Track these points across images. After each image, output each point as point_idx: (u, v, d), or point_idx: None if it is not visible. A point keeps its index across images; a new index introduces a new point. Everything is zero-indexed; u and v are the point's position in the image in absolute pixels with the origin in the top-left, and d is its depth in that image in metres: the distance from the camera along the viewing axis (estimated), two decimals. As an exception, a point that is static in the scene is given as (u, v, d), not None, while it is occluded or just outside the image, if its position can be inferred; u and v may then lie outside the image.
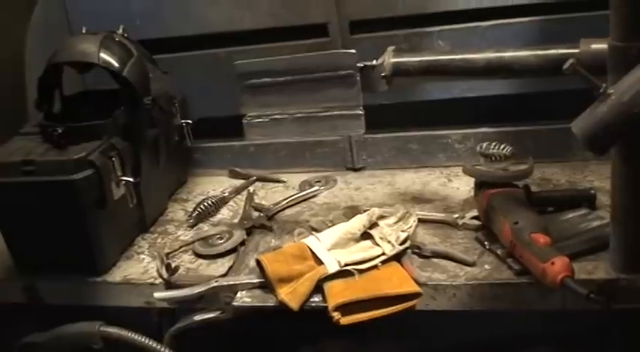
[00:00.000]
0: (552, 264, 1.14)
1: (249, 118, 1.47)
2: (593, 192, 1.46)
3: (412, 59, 1.40)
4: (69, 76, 1.61)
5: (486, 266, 1.32)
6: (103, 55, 1.48)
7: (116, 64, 1.50)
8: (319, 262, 1.34)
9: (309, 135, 1.49)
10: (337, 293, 1.27)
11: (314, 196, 1.71)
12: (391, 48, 1.43)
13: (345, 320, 1.24)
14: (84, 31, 1.57)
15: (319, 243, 1.37)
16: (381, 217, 1.45)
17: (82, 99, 1.68)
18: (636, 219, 1.18)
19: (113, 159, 1.45)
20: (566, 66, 1.12)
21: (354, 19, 1.71)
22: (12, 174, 1.40)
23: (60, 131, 1.43)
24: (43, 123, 1.49)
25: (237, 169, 1.86)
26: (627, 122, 1.08)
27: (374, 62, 1.42)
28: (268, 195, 1.75)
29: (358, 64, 1.41)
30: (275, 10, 1.75)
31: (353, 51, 1.43)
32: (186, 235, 1.60)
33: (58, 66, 1.52)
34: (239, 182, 1.82)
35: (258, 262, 1.35)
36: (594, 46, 1.23)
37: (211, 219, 1.67)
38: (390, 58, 1.40)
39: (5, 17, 1.81)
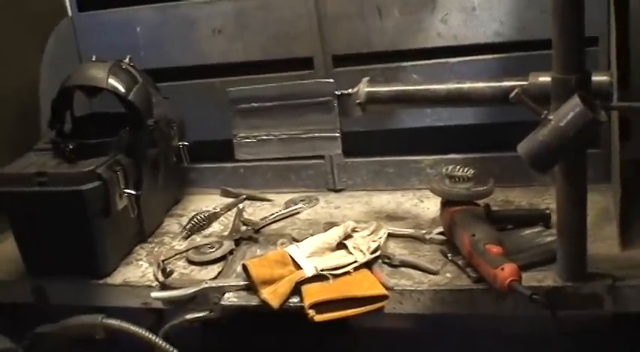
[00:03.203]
0: (502, 269, 1.29)
1: (239, 139, 1.64)
2: (548, 211, 1.60)
3: (383, 89, 1.57)
4: (78, 100, 1.77)
5: (448, 275, 1.46)
6: (111, 81, 1.65)
7: (122, 89, 1.66)
8: (298, 267, 1.49)
9: (291, 153, 1.64)
10: (313, 293, 1.42)
11: (297, 213, 1.86)
12: (366, 78, 1.59)
13: (319, 318, 1.39)
14: (94, 59, 1.74)
15: (299, 250, 1.53)
16: (355, 230, 1.60)
17: (89, 121, 1.84)
18: (577, 231, 1.33)
19: (118, 173, 1.61)
20: (511, 95, 1.29)
21: (336, 54, 1.88)
22: (27, 184, 1.56)
23: (71, 147, 1.60)
24: (56, 140, 1.65)
25: (229, 188, 2.01)
26: (564, 143, 1.22)
27: (350, 91, 1.58)
28: (256, 212, 1.90)
29: (336, 92, 1.58)
30: (266, 45, 1.92)
31: (331, 80, 1.60)
32: (180, 245, 1.75)
33: (69, 89, 1.69)
34: (230, 200, 1.97)
35: (244, 266, 1.49)
36: (541, 79, 1.38)
37: (203, 231, 1.82)
38: (364, 88, 1.57)
39: (22, 48, 1.97)
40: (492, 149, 1.86)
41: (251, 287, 1.48)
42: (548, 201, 1.74)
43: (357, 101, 1.56)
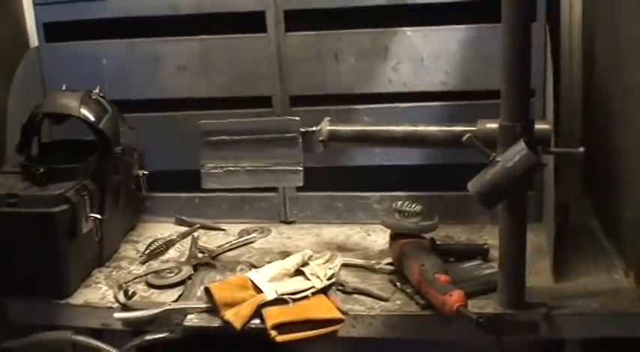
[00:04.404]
0: (450, 295, 1.41)
1: (207, 168, 1.73)
2: (486, 247, 1.75)
3: (345, 128, 1.69)
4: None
5: (397, 302, 1.57)
6: (83, 110, 1.73)
7: (93, 118, 1.74)
8: (259, 291, 1.58)
9: (256, 184, 1.75)
10: (274, 316, 1.51)
11: (251, 242, 1.95)
12: (327, 118, 1.72)
13: (281, 338, 1.48)
14: (64, 88, 1.80)
15: (259, 275, 1.62)
16: (311, 258, 1.71)
17: (53, 147, 1.90)
18: (517, 263, 1.47)
19: (85, 197, 1.67)
20: (464, 139, 1.44)
21: (293, 95, 1.99)
22: (-3, 205, 1.60)
23: (41, 171, 1.65)
24: (26, 164, 1.70)
25: (183, 217, 2.08)
26: (510, 183, 1.36)
27: (314, 128, 1.70)
28: (210, 240, 1.97)
29: (301, 129, 1.70)
30: (229, 83, 2.01)
31: (297, 118, 1.72)
32: (138, 270, 1.80)
33: (40, 116, 1.75)
34: (184, 229, 2.04)
35: (207, 289, 1.57)
36: (488, 125, 1.51)
37: (161, 257, 1.88)
38: (326, 126, 1.69)
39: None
40: (434, 188, 1.99)
41: (213, 310, 1.55)
42: (485, 237, 1.88)
43: (320, 138, 1.68)
